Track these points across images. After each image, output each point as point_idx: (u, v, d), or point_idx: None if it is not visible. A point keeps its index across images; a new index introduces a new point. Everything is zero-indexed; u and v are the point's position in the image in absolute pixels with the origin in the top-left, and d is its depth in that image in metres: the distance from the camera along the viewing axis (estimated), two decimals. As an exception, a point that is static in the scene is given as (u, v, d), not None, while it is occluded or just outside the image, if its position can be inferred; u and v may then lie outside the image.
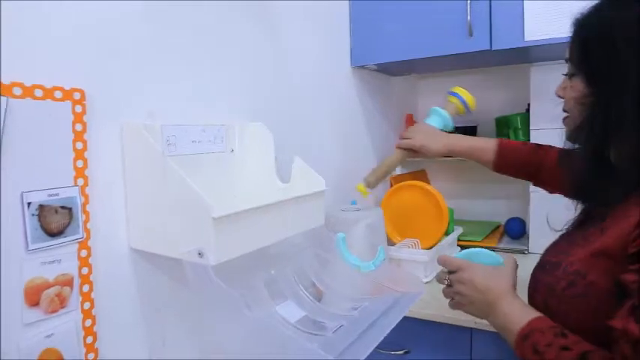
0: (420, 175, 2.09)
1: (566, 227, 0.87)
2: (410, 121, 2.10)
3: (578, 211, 0.85)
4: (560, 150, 1.07)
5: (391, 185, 1.90)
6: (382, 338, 0.80)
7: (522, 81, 1.79)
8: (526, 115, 1.76)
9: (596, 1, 0.78)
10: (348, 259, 1.05)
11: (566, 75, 0.84)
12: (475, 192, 2.15)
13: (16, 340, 0.69)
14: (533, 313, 0.75)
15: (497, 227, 2.02)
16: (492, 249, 1.77)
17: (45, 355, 0.72)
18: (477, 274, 0.83)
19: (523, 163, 1.19)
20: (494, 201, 2.09)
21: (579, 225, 0.83)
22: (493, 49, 1.43)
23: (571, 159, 0.82)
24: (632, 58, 0.69)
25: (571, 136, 0.82)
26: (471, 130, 1.99)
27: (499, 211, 2.06)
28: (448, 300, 0.89)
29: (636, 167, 0.70)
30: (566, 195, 1.01)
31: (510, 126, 1.86)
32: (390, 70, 1.88)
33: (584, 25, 0.78)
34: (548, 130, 1.63)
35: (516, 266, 0.88)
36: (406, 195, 1.67)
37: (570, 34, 0.81)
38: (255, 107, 1.19)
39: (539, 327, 0.72)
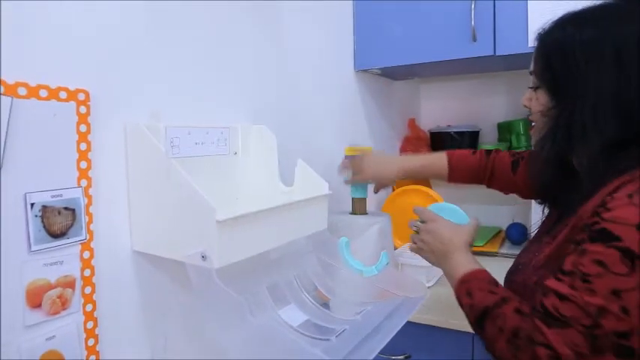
0: (422, 179, 2.09)
1: (536, 230, 0.94)
2: (412, 125, 2.10)
3: (546, 214, 0.93)
4: (513, 153, 1.18)
5: (393, 189, 1.90)
6: (385, 343, 0.80)
7: (525, 86, 1.78)
8: (528, 121, 1.76)
9: (558, 18, 0.82)
10: (350, 264, 1.04)
11: (531, 87, 0.88)
12: (476, 197, 2.15)
13: (17, 342, 0.69)
14: (477, 267, 0.84)
15: (499, 232, 2.01)
16: (494, 254, 1.78)
17: (46, 357, 0.72)
18: (443, 227, 0.94)
19: (475, 170, 1.21)
20: (496, 206, 2.09)
21: (549, 226, 0.87)
22: (497, 54, 1.43)
23: (536, 165, 0.86)
24: (590, 74, 0.74)
25: (537, 145, 0.85)
26: (473, 136, 1.99)
27: (500, 216, 2.06)
28: (410, 243, 1.02)
29: (592, 177, 0.75)
30: (522, 196, 1.17)
31: (513, 131, 1.86)
32: (393, 74, 1.88)
33: (546, 41, 0.82)
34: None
35: (478, 225, 0.98)
36: (408, 199, 1.67)
37: (534, 48, 0.86)
38: (258, 110, 1.19)
39: (478, 276, 0.82)
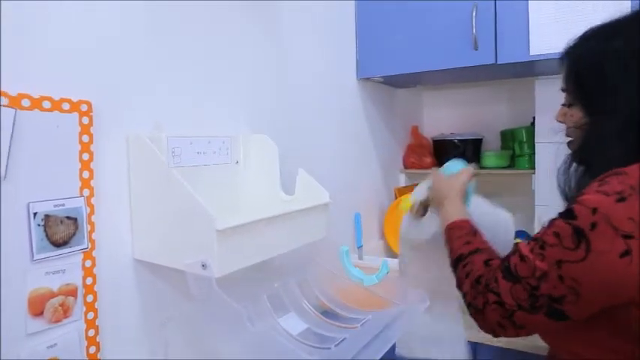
0: (425, 187, 2.08)
1: None
2: (415, 132, 2.10)
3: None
4: None
5: (396, 197, 1.90)
6: (384, 352, 0.80)
7: (527, 94, 1.79)
8: (531, 129, 1.76)
9: (582, 33, 0.83)
10: (351, 272, 1.04)
11: (564, 105, 0.89)
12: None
13: (19, 350, 0.70)
14: (461, 217, 0.94)
15: (502, 240, 2.00)
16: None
17: (47, 365, 0.73)
18: (438, 181, 1.07)
19: None
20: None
21: None
22: (498, 62, 1.44)
23: (567, 175, 0.88)
24: (619, 85, 0.76)
25: (576, 158, 0.87)
26: (476, 143, 1.99)
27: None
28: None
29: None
30: None
31: (515, 139, 1.86)
32: (395, 82, 1.89)
33: (574, 58, 0.84)
34: (554, 143, 1.62)
35: (470, 172, 1.07)
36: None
37: (563, 67, 0.86)
38: (259, 119, 1.19)
39: (460, 225, 0.92)
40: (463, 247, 0.87)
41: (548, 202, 1.62)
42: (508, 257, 0.77)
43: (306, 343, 0.83)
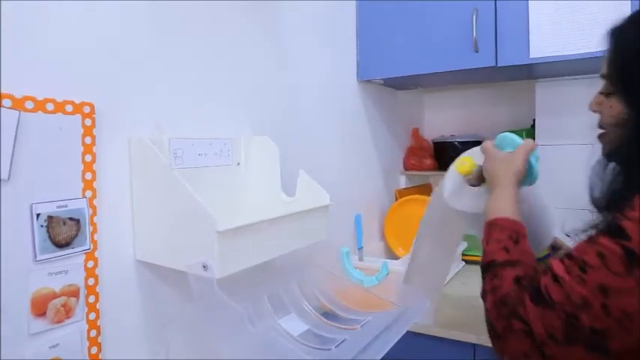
0: (426, 189, 2.09)
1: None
2: (416, 134, 2.11)
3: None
4: None
5: (396, 199, 1.91)
6: (384, 353, 0.80)
7: (528, 97, 1.80)
8: (531, 131, 1.77)
9: (632, 14, 0.73)
10: (351, 274, 1.05)
11: (601, 93, 0.78)
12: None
13: (21, 351, 0.70)
14: (508, 214, 0.80)
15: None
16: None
17: (49, 365, 0.73)
18: (490, 161, 0.92)
19: None
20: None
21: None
22: (498, 65, 1.44)
23: (604, 175, 0.76)
24: None
25: (609, 155, 0.77)
26: (477, 145, 1.98)
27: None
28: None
29: None
30: None
31: (516, 141, 1.87)
32: (396, 84, 1.89)
33: (621, 42, 0.72)
34: (554, 146, 1.63)
35: (529, 148, 0.89)
36: (411, 209, 1.68)
37: (606, 49, 0.74)
38: (260, 121, 1.20)
39: (504, 225, 0.78)
40: (498, 253, 0.75)
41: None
42: (539, 278, 0.66)
43: (307, 344, 0.83)
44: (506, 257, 0.74)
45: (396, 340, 0.85)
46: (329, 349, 0.82)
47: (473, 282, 1.55)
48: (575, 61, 1.37)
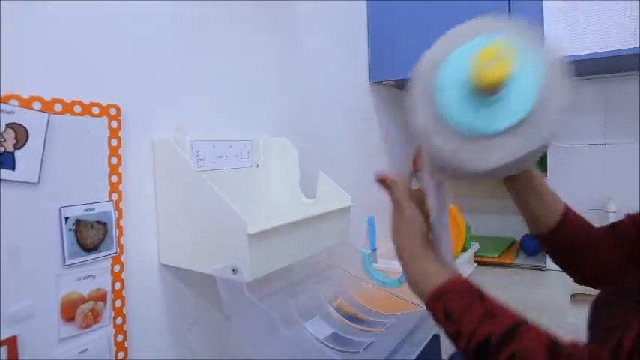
0: (435, 190, 2.08)
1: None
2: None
3: None
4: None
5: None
6: (416, 355, 0.80)
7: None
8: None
9: None
10: (373, 275, 1.04)
11: None
12: (489, 207, 2.15)
13: (52, 356, 0.69)
14: (444, 269, 0.64)
15: (513, 243, 2.01)
16: (509, 266, 1.78)
17: (78, 371, 0.72)
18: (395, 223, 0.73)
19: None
20: (509, 217, 2.08)
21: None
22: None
23: None
24: None
25: None
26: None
27: (514, 226, 2.05)
28: None
29: None
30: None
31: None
32: (407, 85, 1.89)
33: None
34: (562, 146, 1.63)
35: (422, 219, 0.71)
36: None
37: None
38: (278, 122, 1.19)
39: (454, 286, 0.60)
40: (485, 324, 0.55)
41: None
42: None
43: (335, 347, 0.83)
44: (502, 322, 0.55)
45: (427, 341, 0.84)
46: (357, 352, 0.81)
47: (485, 283, 1.54)
48: (585, 62, 1.38)
